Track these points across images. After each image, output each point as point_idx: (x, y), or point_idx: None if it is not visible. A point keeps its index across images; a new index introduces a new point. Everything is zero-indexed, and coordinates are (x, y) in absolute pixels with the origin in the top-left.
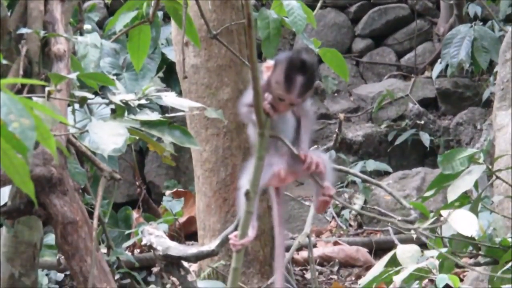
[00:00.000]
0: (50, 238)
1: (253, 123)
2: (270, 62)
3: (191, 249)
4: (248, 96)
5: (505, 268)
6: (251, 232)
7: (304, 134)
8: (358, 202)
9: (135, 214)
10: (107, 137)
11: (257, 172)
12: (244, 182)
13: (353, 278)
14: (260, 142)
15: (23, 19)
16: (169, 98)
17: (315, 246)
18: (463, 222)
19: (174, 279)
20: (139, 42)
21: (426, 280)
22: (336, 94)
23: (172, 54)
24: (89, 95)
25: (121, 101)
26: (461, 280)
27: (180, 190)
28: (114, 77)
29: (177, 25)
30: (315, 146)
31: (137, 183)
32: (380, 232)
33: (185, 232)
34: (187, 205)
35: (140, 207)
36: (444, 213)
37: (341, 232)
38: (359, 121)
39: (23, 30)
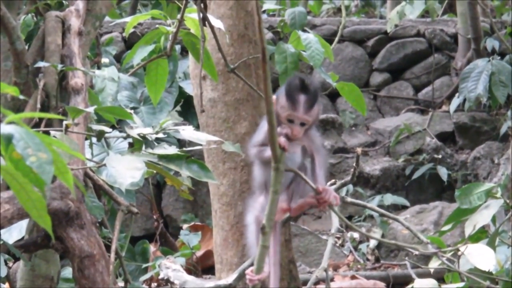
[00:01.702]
0: (67, 272)
1: (265, 161)
2: (274, 96)
3: (208, 283)
4: (257, 136)
5: None
6: (267, 267)
7: (319, 169)
8: (375, 236)
9: (152, 248)
10: (125, 171)
11: (273, 206)
12: (250, 219)
13: None
14: (275, 176)
15: (41, 52)
16: (187, 132)
17: (332, 280)
18: (481, 257)
19: None
20: (156, 76)
21: None
22: (353, 128)
23: (189, 87)
24: (106, 129)
25: (138, 134)
26: None
27: (197, 224)
28: (132, 111)
29: (194, 59)
30: (333, 180)
31: (155, 216)
32: (397, 266)
33: (202, 266)
34: (204, 239)
35: (157, 241)
36: (461, 247)
37: (359, 266)
38: (376, 155)
39: (41, 64)
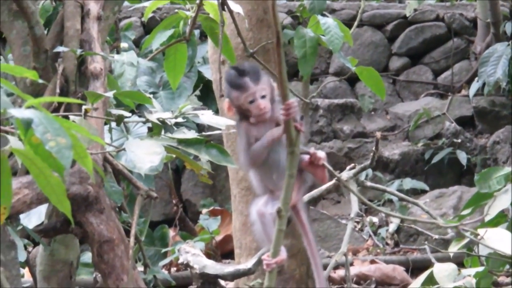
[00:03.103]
0: (87, 257)
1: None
2: (225, 101)
3: (228, 267)
4: (241, 142)
5: None
6: (284, 251)
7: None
8: (394, 220)
9: (171, 233)
10: (144, 155)
11: (288, 190)
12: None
13: None
14: (291, 160)
15: (60, 37)
16: (206, 116)
17: (351, 264)
18: (500, 241)
19: None
20: (175, 61)
21: None
22: (372, 113)
23: (208, 72)
24: (126, 113)
25: (158, 119)
26: None
27: (216, 209)
28: (151, 96)
29: (213, 44)
30: (352, 164)
31: (174, 201)
32: (417, 251)
33: (222, 250)
34: (223, 223)
35: (176, 226)
36: (481, 231)
37: (378, 250)
38: (395, 139)
39: (60, 49)
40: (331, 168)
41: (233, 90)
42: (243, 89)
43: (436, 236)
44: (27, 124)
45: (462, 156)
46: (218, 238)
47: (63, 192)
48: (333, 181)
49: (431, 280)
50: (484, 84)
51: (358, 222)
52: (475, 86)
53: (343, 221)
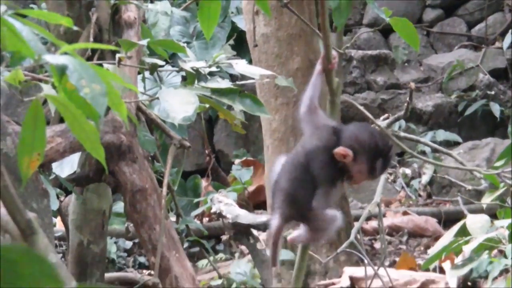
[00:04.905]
0: (119, 206)
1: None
2: (345, 150)
3: (260, 217)
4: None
5: None
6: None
7: None
8: (428, 172)
9: (204, 183)
10: (178, 105)
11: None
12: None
13: (422, 248)
14: (331, 110)
15: None
16: (240, 66)
17: (384, 216)
18: None
19: (243, 247)
20: (209, 11)
21: (496, 251)
22: (406, 64)
23: (242, 23)
24: (159, 62)
25: (191, 68)
26: None
27: (249, 159)
28: (184, 45)
29: None
30: (386, 115)
31: (206, 152)
32: (449, 202)
33: (254, 201)
34: (256, 174)
35: (209, 176)
36: None
37: (410, 202)
38: (429, 91)
39: None
40: (368, 114)
41: (366, 167)
42: (370, 175)
43: (470, 187)
44: (61, 70)
45: (496, 108)
46: (251, 188)
47: (98, 139)
48: None
49: (463, 231)
50: None
51: (390, 174)
52: (509, 38)
53: None
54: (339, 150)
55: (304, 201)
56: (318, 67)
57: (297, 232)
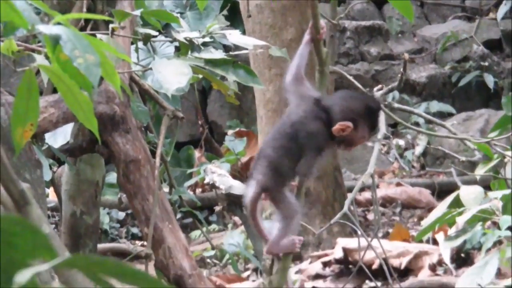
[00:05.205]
0: (112, 177)
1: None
2: (345, 124)
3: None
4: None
5: None
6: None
7: None
8: (421, 143)
9: (197, 154)
10: (171, 76)
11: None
12: None
13: (415, 220)
14: (321, 79)
15: None
16: (234, 36)
17: (377, 187)
18: None
19: (236, 218)
20: None
21: (489, 222)
22: (400, 35)
23: None
24: (153, 32)
25: (185, 38)
26: None
27: (242, 130)
28: (178, 15)
29: None
30: (380, 86)
31: (200, 122)
32: (443, 174)
33: (247, 172)
34: (249, 145)
35: (202, 147)
36: (508, 154)
37: (404, 173)
38: (423, 62)
39: None
40: (360, 86)
41: (367, 126)
42: (371, 134)
43: (463, 158)
44: (55, 41)
45: (490, 79)
46: (244, 159)
47: (91, 110)
48: None
49: (457, 203)
50: None
51: (384, 145)
52: (503, 9)
53: (370, 144)
54: (338, 126)
55: (286, 170)
56: (307, 37)
57: (270, 240)
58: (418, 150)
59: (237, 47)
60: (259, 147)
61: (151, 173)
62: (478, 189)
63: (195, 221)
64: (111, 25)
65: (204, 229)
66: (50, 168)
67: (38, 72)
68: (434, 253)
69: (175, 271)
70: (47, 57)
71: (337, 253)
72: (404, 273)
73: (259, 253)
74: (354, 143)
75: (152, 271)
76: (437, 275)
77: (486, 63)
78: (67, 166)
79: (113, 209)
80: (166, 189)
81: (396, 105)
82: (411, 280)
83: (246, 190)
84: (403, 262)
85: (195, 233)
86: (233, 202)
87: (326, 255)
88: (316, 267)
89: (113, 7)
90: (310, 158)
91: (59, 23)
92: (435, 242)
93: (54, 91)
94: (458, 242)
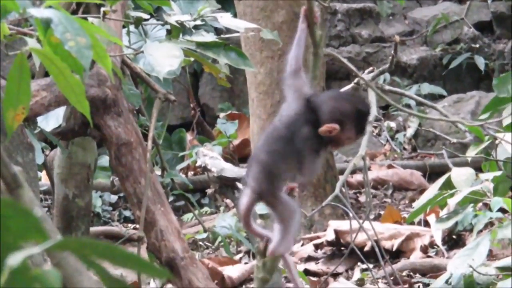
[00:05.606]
0: (104, 160)
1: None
2: (331, 126)
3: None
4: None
5: None
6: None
7: None
8: (412, 125)
9: (189, 137)
10: (163, 59)
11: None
12: None
13: (407, 202)
14: (315, 62)
15: None
16: (225, 19)
17: (369, 169)
18: None
19: (228, 201)
20: None
21: (480, 204)
22: (391, 17)
23: None
24: (144, 15)
25: (176, 21)
26: None
27: (234, 113)
28: None
29: None
30: (371, 68)
31: (191, 105)
32: (434, 156)
33: (239, 154)
34: (241, 127)
35: (194, 130)
36: (499, 135)
37: (395, 155)
38: (413, 44)
39: None
40: (353, 67)
41: (356, 132)
42: (357, 137)
43: (454, 140)
44: (46, 24)
45: (480, 61)
46: (236, 142)
47: (82, 93)
48: (353, 83)
49: (448, 184)
50: None
51: (375, 127)
52: None
53: None
54: (324, 128)
55: (281, 174)
56: (302, 24)
57: (272, 243)
58: (410, 132)
59: (228, 30)
60: (251, 153)
61: (143, 156)
62: (469, 171)
63: (187, 204)
64: (102, 9)
65: (196, 211)
66: (43, 151)
67: (30, 56)
68: (426, 234)
69: (167, 254)
70: (39, 41)
71: (329, 235)
72: (396, 255)
73: (252, 235)
74: (340, 144)
75: (144, 253)
76: (428, 256)
77: (477, 45)
78: (59, 149)
79: (106, 192)
80: (158, 172)
81: (387, 87)
82: (402, 262)
83: (241, 198)
84: (394, 244)
85: (187, 216)
86: (225, 184)
87: (318, 237)
88: (308, 249)
89: None
90: (311, 160)
91: (50, 7)
92: (426, 224)
93: (46, 74)
94: (449, 223)
